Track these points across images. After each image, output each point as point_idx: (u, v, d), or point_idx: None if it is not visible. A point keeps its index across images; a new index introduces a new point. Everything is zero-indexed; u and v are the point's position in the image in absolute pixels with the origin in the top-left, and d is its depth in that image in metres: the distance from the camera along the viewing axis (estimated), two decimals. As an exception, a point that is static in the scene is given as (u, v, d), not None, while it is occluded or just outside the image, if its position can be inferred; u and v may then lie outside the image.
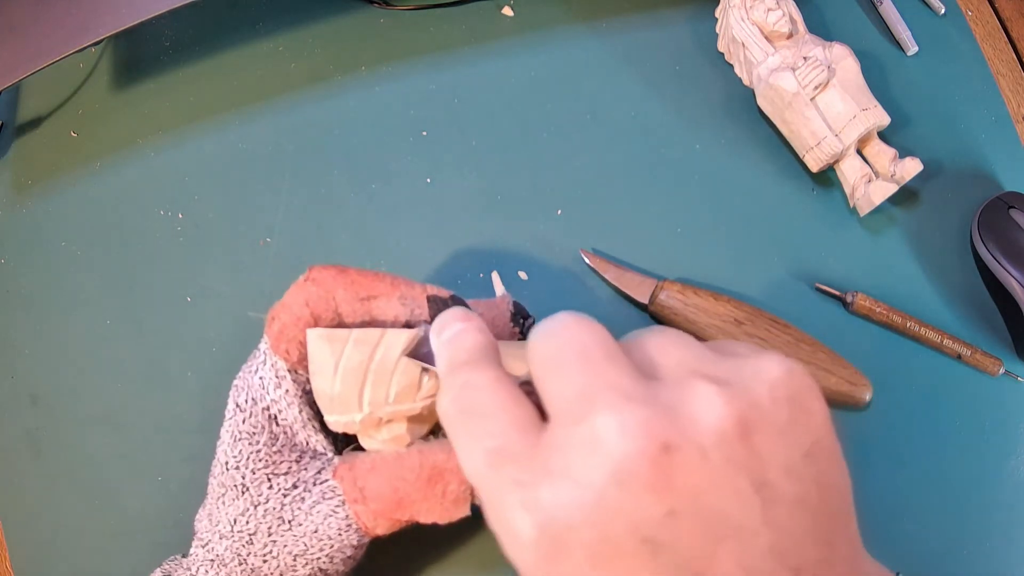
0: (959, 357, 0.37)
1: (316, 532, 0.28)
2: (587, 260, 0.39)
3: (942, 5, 0.44)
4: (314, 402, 0.29)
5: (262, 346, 0.29)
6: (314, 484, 0.28)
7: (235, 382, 0.30)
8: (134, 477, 0.37)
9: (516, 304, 0.33)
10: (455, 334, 0.24)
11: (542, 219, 0.40)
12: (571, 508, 0.18)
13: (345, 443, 0.30)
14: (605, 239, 0.40)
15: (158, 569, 0.30)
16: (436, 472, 0.27)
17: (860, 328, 0.38)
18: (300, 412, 0.29)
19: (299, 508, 0.28)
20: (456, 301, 0.30)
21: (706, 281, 0.39)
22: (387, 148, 0.42)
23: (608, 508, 0.18)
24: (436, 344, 0.25)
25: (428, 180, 0.41)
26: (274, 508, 0.28)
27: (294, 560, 0.28)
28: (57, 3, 0.39)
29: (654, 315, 0.37)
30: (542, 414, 0.21)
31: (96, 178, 0.42)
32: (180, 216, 0.41)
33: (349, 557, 0.29)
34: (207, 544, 0.29)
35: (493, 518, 0.20)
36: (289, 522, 0.28)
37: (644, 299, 0.37)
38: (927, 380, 0.38)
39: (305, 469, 0.29)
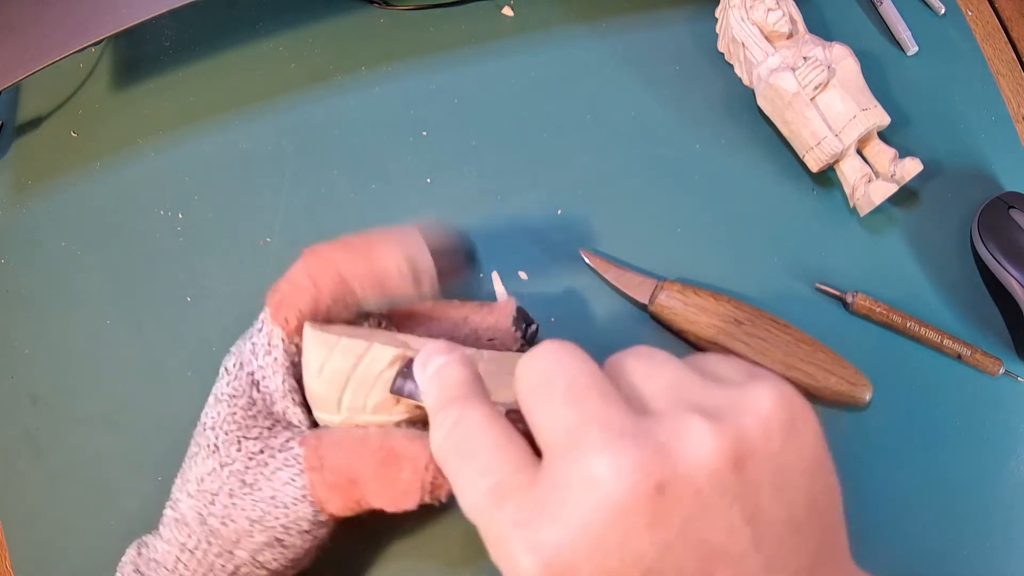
0: (959, 357, 0.37)
1: (273, 498, 0.27)
2: (587, 260, 0.39)
3: (942, 5, 0.44)
4: (299, 375, 0.29)
5: (261, 315, 0.30)
6: (279, 451, 0.28)
7: (231, 348, 0.31)
8: (134, 477, 0.37)
9: (520, 309, 0.33)
10: (439, 368, 0.24)
11: (542, 219, 0.40)
12: (571, 547, 0.18)
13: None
14: (605, 239, 0.40)
15: (137, 539, 0.30)
16: (392, 456, 0.27)
17: (860, 328, 0.38)
18: (283, 382, 0.29)
19: (261, 473, 0.28)
20: (451, 232, 0.30)
21: (706, 281, 0.39)
22: (387, 148, 0.42)
23: (607, 546, 0.18)
24: (421, 378, 0.25)
25: (428, 180, 0.41)
26: (238, 470, 0.28)
27: (251, 525, 0.27)
28: (57, 3, 0.39)
29: (654, 315, 0.37)
30: (531, 442, 0.21)
31: (96, 178, 0.42)
32: (180, 216, 0.41)
33: (306, 532, 0.28)
34: (176, 503, 0.29)
35: (495, 554, 0.20)
36: (250, 485, 0.28)
37: (644, 299, 0.37)
38: (927, 380, 0.38)
39: (275, 436, 0.29)
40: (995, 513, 0.36)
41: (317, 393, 0.28)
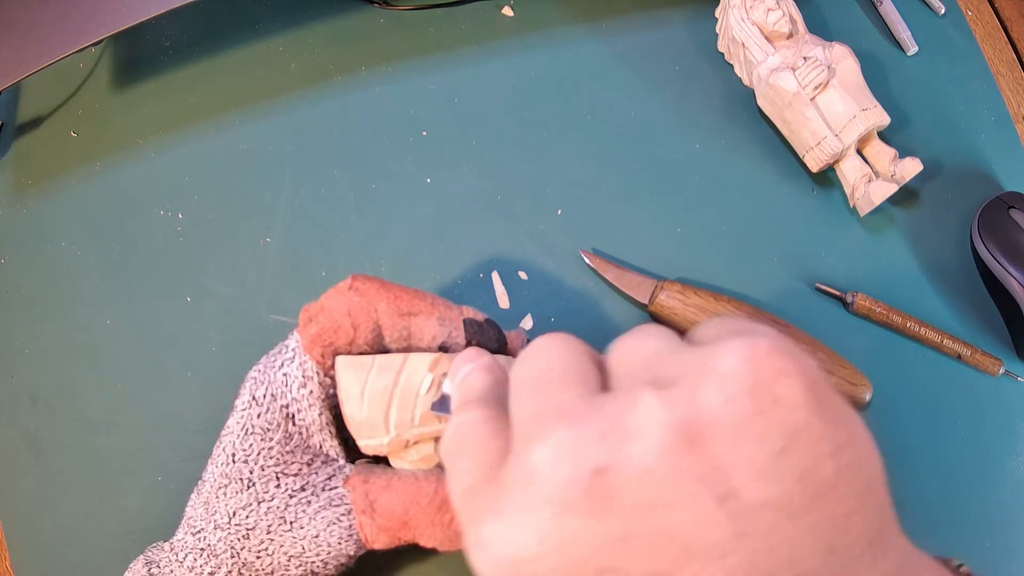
0: (959, 357, 0.37)
1: (317, 537, 0.28)
2: (587, 260, 0.39)
3: (942, 5, 0.44)
4: (334, 407, 0.29)
5: (292, 343, 0.29)
6: (323, 490, 0.28)
7: (252, 374, 0.30)
8: (134, 477, 0.37)
9: (469, 322, 0.32)
10: (463, 377, 0.24)
11: (542, 219, 0.40)
12: (519, 546, 0.17)
13: (357, 453, 0.30)
14: (605, 239, 0.40)
15: (141, 556, 0.30)
16: (447, 501, 0.27)
17: (860, 328, 0.38)
18: (320, 415, 0.28)
19: (303, 511, 0.28)
20: (491, 324, 0.30)
21: (706, 281, 0.39)
22: (387, 148, 0.42)
23: (555, 542, 0.17)
24: (451, 388, 0.25)
25: (428, 180, 0.41)
26: (278, 507, 0.28)
27: (288, 560, 0.28)
28: (57, 3, 0.39)
29: (654, 315, 0.37)
30: None
31: (96, 178, 0.42)
32: (180, 216, 0.41)
33: (342, 564, 0.29)
34: (199, 532, 0.28)
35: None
36: (291, 523, 0.28)
37: (644, 299, 0.37)
38: (927, 380, 0.38)
39: (315, 473, 0.29)
40: (995, 513, 0.36)
41: (362, 418, 0.28)
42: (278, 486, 0.28)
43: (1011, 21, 0.46)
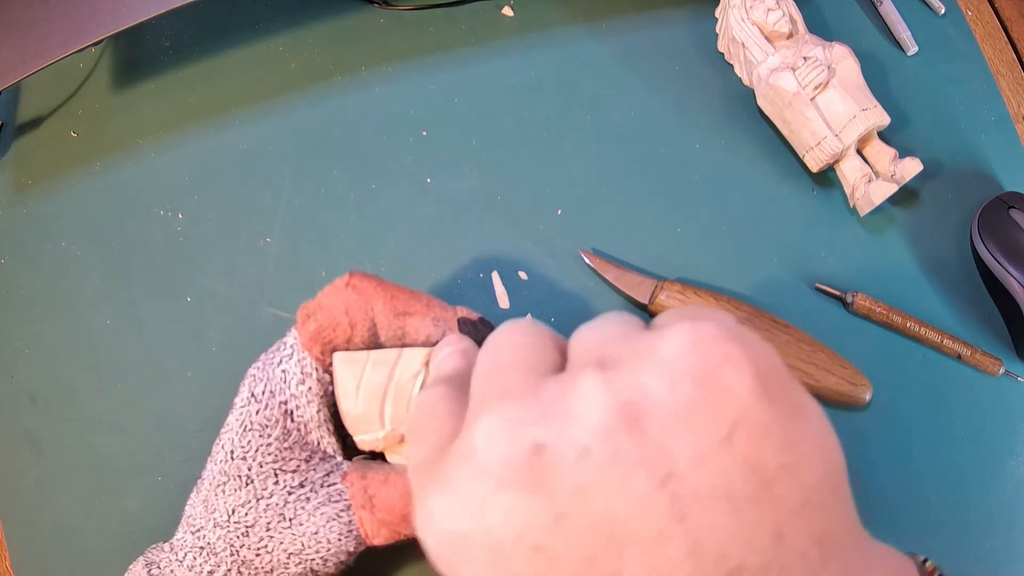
0: (959, 357, 0.37)
1: (316, 534, 0.28)
2: (587, 260, 0.39)
3: (942, 5, 0.44)
4: (332, 404, 0.29)
5: (290, 340, 0.29)
6: (321, 486, 0.28)
7: (251, 371, 0.30)
8: (134, 477, 0.37)
9: (464, 320, 0.32)
10: (440, 359, 0.25)
11: (542, 219, 0.40)
12: (458, 518, 0.17)
13: (354, 451, 0.30)
14: (605, 239, 0.40)
15: (140, 558, 0.29)
16: None
17: (860, 328, 0.38)
18: (318, 411, 0.29)
19: (302, 508, 0.28)
20: (485, 324, 0.30)
21: (706, 281, 0.39)
22: (387, 148, 0.42)
23: (492, 518, 0.17)
24: (431, 371, 0.26)
25: (428, 180, 0.41)
26: (277, 504, 0.28)
27: (288, 558, 0.28)
28: (57, 3, 0.39)
29: (654, 315, 0.37)
30: None
31: (96, 178, 0.42)
32: (180, 216, 0.41)
33: (342, 562, 0.29)
34: (199, 531, 0.28)
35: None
36: (290, 520, 0.28)
37: (644, 299, 0.37)
38: (927, 380, 0.38)
39: (314, 470, 0.29)
40: (995, 513, 0.36)
41: (357, 413, 0.28)
42: (276, 483, 0.28)
43: (1011, 21, 0.46)
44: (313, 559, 0.28)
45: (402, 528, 0.28)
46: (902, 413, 0.37)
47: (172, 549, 0.29)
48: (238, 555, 0.28)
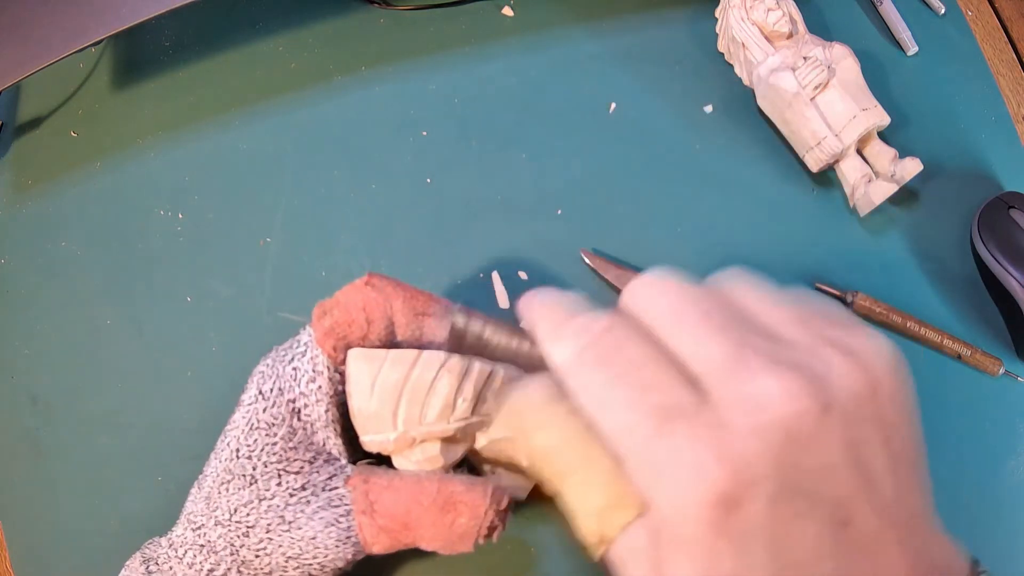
0: (959, 357, 0.37)
1: (314, 539, 0.27)
2: (587, 260, 0.39)
3: (942, 5, 0.44)
4: (342, 405, 0.29)
5: (304, 337, 0.29)
6: (323, 490, 0.28)
7: (260, 368, 0.29)
8: (134, 477, 0.37)
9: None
10: (547, 295, 0.24)
11: (542, 219, 0.40)
12: (756, 460, 0.18)
13: (362, 455, 0.30)
14: (605, 239, 0.40)
15: (137, 553, 0.29)
16: (451, 502, 0.27)
17: (860, 328, 0.38)
18: (326, 411, 0.28)
19: (302, 511, 0.28)
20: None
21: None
22: (387, 148, 0.42)
23: (784, 460, 0.19)
24: (527, 309, 0.24)
25: (428, 180, 0.41)
26: (278, 506, 0.28)
27: (286, 561, 0.27)
28: (57, 3, 0.39)
29: (654, 315, 0.37)
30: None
31: (96, 178, 0.42)
32: (180, 216, 0.41)
33: (339, 568, 0.28)
34: (199, 528, 0.28)
35: (648, 477, 0.20)
36: (289, 523, 0.27)
37: (644, 299, 0.37)
38: (927, 380, 0.38)
39: (317, 472, 0.28)
40: (995, 513, 0.36)
41: (370, 411, 0.27)
42: (279, 484, 0.28)
43: (1011, 21, 0.46)
44: (311, 564, 0.28)
45: (403, 536, 0.27)
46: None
47: (171, 545, 0.29)
48: (238, 555, 0.27)
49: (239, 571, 0.28)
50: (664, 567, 0.19)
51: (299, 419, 0.28)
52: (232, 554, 0.28)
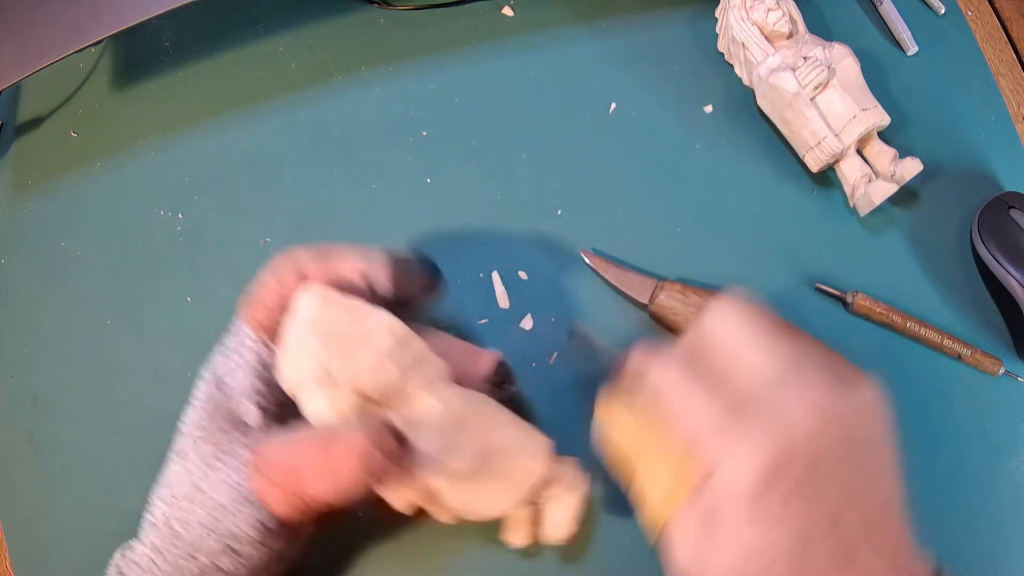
0: (959, 357, 0.37)
1: (223, 505, 0.27)
2: (587, 260, 0.39)
3: (942, 5, 0.44)
4: (264, 376, 0.29)
5: (236, 319, 0.30)
6: (228, 455, 0.28)
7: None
8: (134, 477, 0.36)
9: (503, 364, 0.32)
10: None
11: (542, 219, 0.40)
12: (796, 443, 0.24)
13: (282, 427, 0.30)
14: (605, 239, 0.40)
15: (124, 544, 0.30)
16: (329, 438, 0.26)
17: (860, 328, 0.38)
18: (245, 379, 0.29)
19: (213, 477, 0.28)
20: (414, 258, 0.31)
21: (706, 281, 0.39)
22: (387, 148, 0.42)
23: (807, 451, 0.24)
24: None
25: (428, 180, 0.41)
26: (196, 475, 0.28)
27: (207, 533, 0.27)
28: (57, 3, 0.39)
29: (654, 315, 0.37)
30: None
31: (96, 178, 0.42)
32: (180, 216, 0.41)
33: (258, 541, 0.28)
34: (152, 506, 0.29)
35: (724, 444, 0.24)
36: (203, 492, 0.28)
37: (644, 299, 0.37)
38: (927, 380, 0.38)
39: (230, 441, 0.29)
40: (995, 513, 0.36)
41: (305, 347, 0.27)
42: (197, 453, 0.28)
43: (1011, 21, 0.46)
44: (223, 534, 0.27)
45: (291, 484, 0.27)
46: (902, 413, 0.37)
47: (140, 530, 0.29)
48: (172, 528, 0.28)
49: (175, 544, 0.28)
50: (715, 530, 0.24)
51: (220, 390, 0.29)
52: (169, 528, 0.28)
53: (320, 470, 0.26)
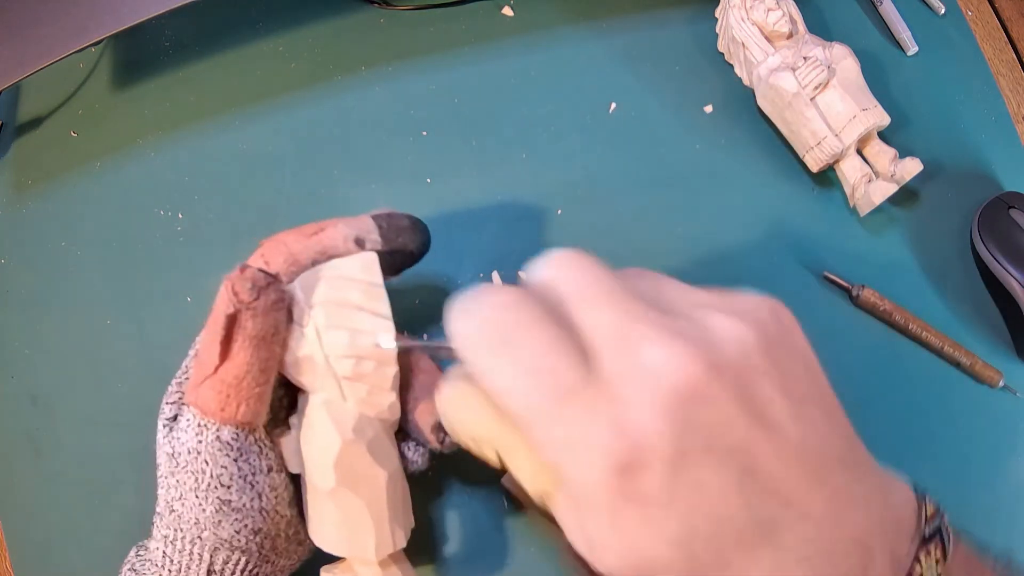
0: (959, 365, 0.37)
1: (190, 449, 0.27)
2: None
3: (942, 5, 0.44)
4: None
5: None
6: (184, 406, 0.29)
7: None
8: (134, 477, 0.37)
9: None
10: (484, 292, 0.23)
11: (542, 219, 0.40)
12: (651, 429, 0.19)
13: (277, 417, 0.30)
14: (605, 239, 0.40)
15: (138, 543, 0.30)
16: (212, 314, 0.28)
17: (861, 328, 0.38)
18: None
19: (175, 437, 0.28)
20: (400, 215, 0.32)
21: (706, 281, 0.38)
22: (387, 148, 0.42)
23: (678, 426, 0.19)
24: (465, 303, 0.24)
25: (428, 180, 0.41)
26: (162, 444, 0.28)
27: (196, 497, 0.27)
28: (57, 3, 0.39)
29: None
30: None
31: (96, 178, 0.42)
32: (180, 216, 0.41)
33: (240, 476, 0.27)
34: (157, 500, 0.29)
35: (557, 453, 0.20)
36: (175, 457, 0.28)
37: (644, 299, 0.37)
38: (927, 380, 0.38)
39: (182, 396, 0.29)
40: (995, 516, 0.36)
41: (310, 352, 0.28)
42: (160, 420, 0.29)
43: (1011, 21, 0.46)
44: (208, 488, 0.27)
45: (203, 369, 0.27)
46: (901, 415, 0.37)
47: (154, 527, 0.29)
48: (174, 512, 0.28)
49: (180, 529, 0.28)
50: (585, 530, 0.21)
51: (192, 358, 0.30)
52: (170, 512, 0.28)
53: (211, 341, 0.27)
